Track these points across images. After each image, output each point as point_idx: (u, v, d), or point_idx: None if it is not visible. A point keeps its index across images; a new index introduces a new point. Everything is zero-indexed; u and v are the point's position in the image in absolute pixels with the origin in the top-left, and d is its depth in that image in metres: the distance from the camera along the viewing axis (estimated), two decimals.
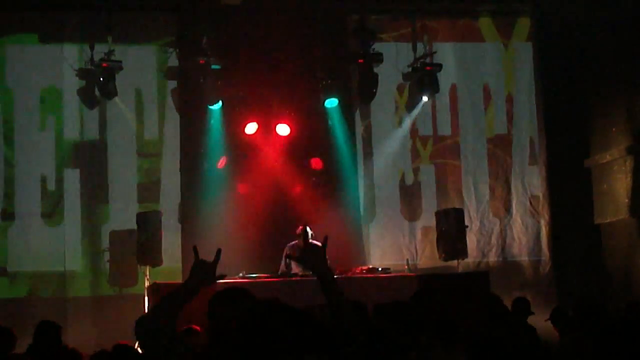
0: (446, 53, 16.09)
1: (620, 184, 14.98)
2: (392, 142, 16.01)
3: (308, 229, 13.69)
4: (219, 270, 4.22)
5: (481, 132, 16.33)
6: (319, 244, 13.59)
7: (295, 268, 13.52)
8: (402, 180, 16.02)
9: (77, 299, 14.80)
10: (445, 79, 15.96)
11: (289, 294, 12.11)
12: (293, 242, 13.74)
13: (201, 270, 4.29)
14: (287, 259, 13.60)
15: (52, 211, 15.02)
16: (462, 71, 16.33)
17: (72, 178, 15.16)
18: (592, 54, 15.73)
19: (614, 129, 15.20)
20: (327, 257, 4.38)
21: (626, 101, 14.88)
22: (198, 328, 7.34)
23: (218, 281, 4.30)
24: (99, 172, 15.25)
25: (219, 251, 4.38)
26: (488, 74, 16.48)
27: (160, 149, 15.47)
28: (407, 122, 16.04)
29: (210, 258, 13.75)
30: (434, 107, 16.15)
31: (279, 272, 13.47)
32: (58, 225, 14.99)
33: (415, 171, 16.09)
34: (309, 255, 4.43)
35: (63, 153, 15.20)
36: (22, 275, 14.80)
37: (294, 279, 13.03)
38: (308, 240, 13.67)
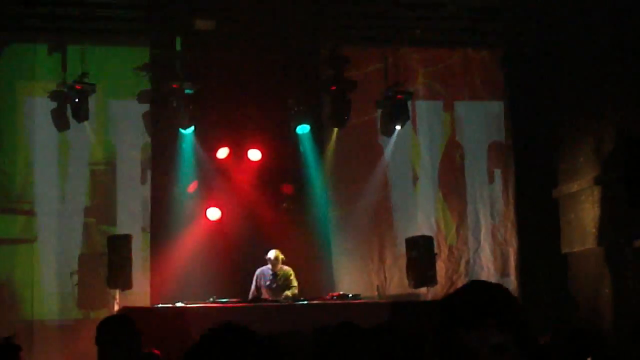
0: (417, 84, 16.26)
1: (588, 214, 15.12)
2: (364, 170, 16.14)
3: (279, 253, 13.73)
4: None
5: (451, 161, 16.46)
6: (289, 269, 13.69)
7: (265, 293, 13.56)
8: (373, 206, 16.09)
9: (44, 322, 14.74)
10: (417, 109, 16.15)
11: (259, 320, 12.16)
12: (263, 267, 13.78)
13: None
14: (257, 284, 13.66)
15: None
16: (433, 100, 16.51)
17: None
18: (561, 85, 15.89)
19: (581, 159, 15.34)
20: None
21: (594, 132, 15.04)
22: (158, 352, 7.37)
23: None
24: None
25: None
26: (458, 103, 16.64)
27: (131, 173, 15.46)
28: (387, 152, 16.15)
29: (181, 282, 13.66)
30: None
31: (250, 298, 13.49)
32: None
33: (386, 198, 16.17)
34: None
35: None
36: None
37: (264, 304, 13.08)
38: (278, 265, 13.72)
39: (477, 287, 2.80)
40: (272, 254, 13.71)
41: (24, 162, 15.19)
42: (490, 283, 2.84)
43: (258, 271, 13.79)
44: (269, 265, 13.72)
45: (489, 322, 2.65)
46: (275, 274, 13.69)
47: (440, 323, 2.71)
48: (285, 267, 13.78)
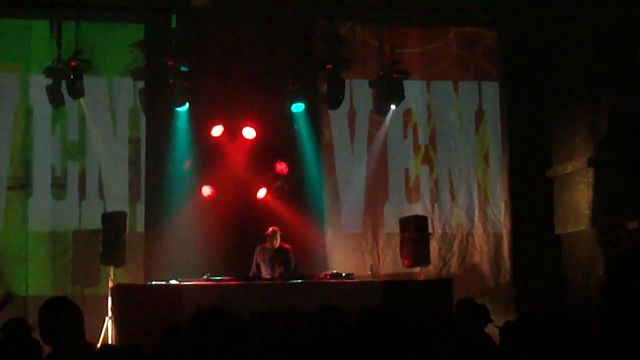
0: (413, 62, 16.21)
1: (582, 195, 15.15)
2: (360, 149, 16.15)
3: (277, 230, 13.73)
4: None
5: (446, 141, 16.46)
6: (288, 247, 13.67)
7: (264, 271, 13.57)
8: (367, 186, 16.09)
9: (38, 297, 14.72)
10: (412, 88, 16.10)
11: (252, 298, 12.22)
12: (264, 245, 13.75)
13: None
14: (257, 261, 13.65)
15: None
16: (429, 80, 16.49)
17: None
18: (556, 66, 15.89)
19: (576, 140, 15.36)
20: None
21: (588, 113, 15.05)
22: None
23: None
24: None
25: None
26: (454, 83, 16.62)
27: (125, 150, 15.45)
28: (381, 132, 16.13)
29: (175, 260, 13.62)
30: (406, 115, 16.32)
31: (250, 275, 13.49)
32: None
33: (380, 178, 16.17)
34: None
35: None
36: None
37: (257, 282, 13.09)
38: (278, 242, 13.71)
39: None
40: (270, 230, 13.71)
41: (21, 139, 15.15)
42: None
43: (258, 248, 13.78)
44: (268, 243, 13.71)
45: None
46: (273, 251, 13.68)
47: None
48: (285, 245, 13.78)
